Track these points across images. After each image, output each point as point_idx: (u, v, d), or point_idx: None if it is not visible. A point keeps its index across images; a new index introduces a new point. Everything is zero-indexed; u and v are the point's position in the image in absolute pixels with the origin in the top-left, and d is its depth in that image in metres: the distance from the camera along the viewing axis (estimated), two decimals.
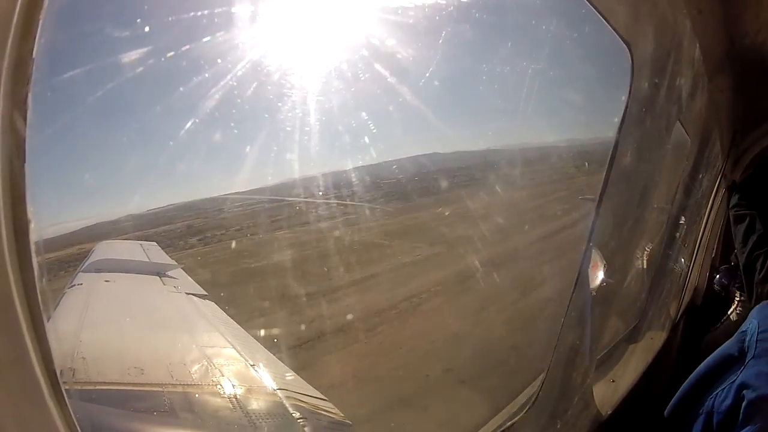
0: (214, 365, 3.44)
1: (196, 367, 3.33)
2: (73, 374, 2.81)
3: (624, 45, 1.87)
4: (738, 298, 4.06)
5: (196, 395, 3.09)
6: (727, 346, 1.97)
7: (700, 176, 3.72)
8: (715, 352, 2.03)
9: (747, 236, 3.21)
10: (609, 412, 2.46)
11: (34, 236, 0.66)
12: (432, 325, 8.98)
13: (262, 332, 7.53)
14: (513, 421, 2.17)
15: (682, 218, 3.83)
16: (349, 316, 9.24)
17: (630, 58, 1.91)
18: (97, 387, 2.85)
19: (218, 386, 3.23)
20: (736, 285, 4.09)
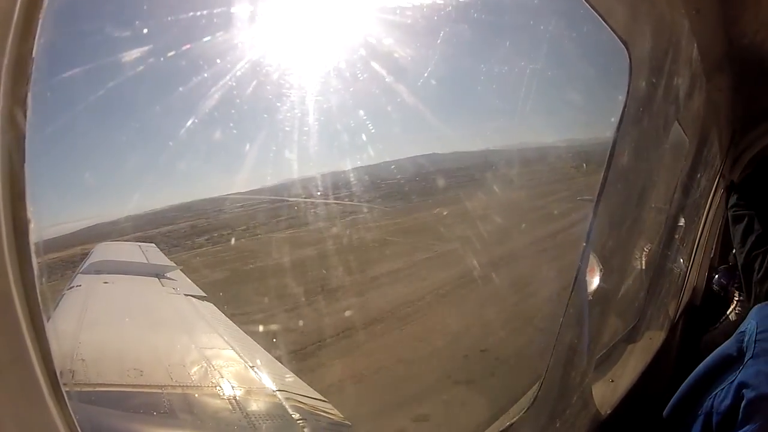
0: (213, 366, 3.43)
1: (195, 369, 3.33)
2: (73, 376, 2.81)
3: (622, 45, 1.87)
4: (737, 298, 4.07)
5: (196, 396, 3.09)
6: (726, 347, 1.97)
7: (699, 176, 3.72)
8: (714, 352, 2.03)
9: (745, 236, 3.21)
10: (608, 412, 2.46)
11: (33, 236, 0.66)
12: (461, 312, 9.27)
13: (301, 323, 8.68)
14: (512, 420, 2.17)
15: (681, 218, 3.83)
16: (381, 308, 9.57)
17: (628, 57, 1.92)
18: (97, 388, 2.85)
19: (217, 388, 3.23)
20: (735, 285, 4.09)
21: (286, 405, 3.10)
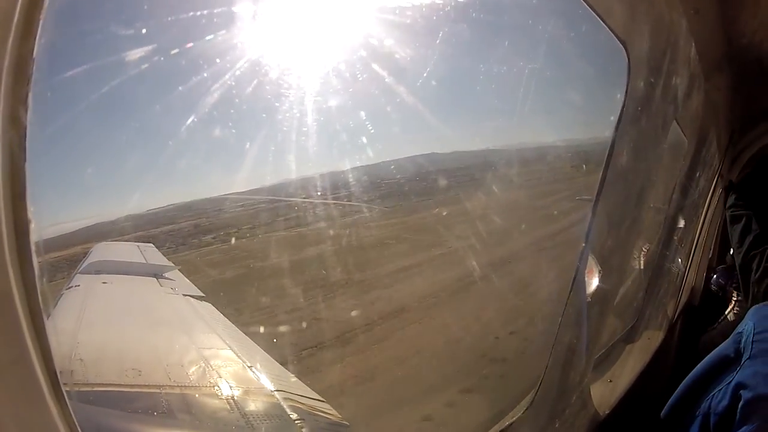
0: (211, 366, 3.43)
1: (193, 369, 3.33)
2: (71, 376, 2.80)
3: (620, 44, 1.87)
4: (735, 298, 4.07)
5: (194, 397, 3.09)
6: (724, 348, 1.98)
7: (697, 176, 3.72)
8: (712, 353, 2.03)
9: (743, 236, 3.22)
10: (606, 412, 2.46)
11: (34, 236, 0.66)
12: (485, 300, 9.56)
13: (332, 313, 9.23)
14: (511, 421, 2.17)
15: (680, 218, 3.83)
16: (403, 300, 9.94)
17: (626, 57, 1.92)
18: (96, 388, 2.85)
19: (216, 388, 3.23)
20: (733, 285, 4.09)
21: (285, 405, 3.10)
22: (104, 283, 4.90)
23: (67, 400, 0.69)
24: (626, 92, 1.99)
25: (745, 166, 4.35)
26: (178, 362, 3.35)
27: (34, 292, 0.65)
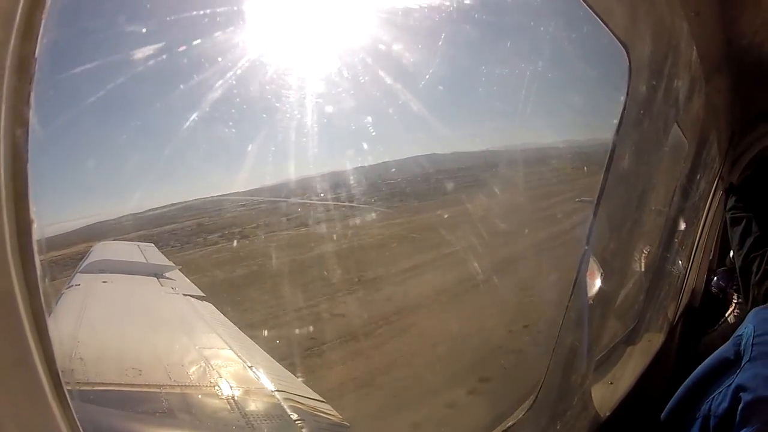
0: (211, 366, 3.43)
1: (194, 369, 3.33)
2: (72, 375, 2.80)
3: (621, 47, 1.87)
4: (735, 301, 4.07)
5: (194, 396, 3.09)
6: (723, 350, 1.98)
7: (698, 178, 3.72)
8: (712, 355, 2.04)
9: (743, 238, 3.22)
10: (607, 414, 2.46)
11: (36, 236, 0.66)
12: (504, 293, 9.67)
13: (351, 308, 9.64)
14: (513, 422, 2.17)
15: (680, 220, 3.83)
16: (423, 295, 10.21)
17: (627, 59, 1.92)
18: (96, 388, 2.85)
19: (216, 387, 3.23)
20: (734, 287, 4.10)
21: (285, 405, 3.10)
22: (104, 282, 4.90)
23: (69, 401, 0.69)
24: (627, 94, 1.99)
25: (746, 167, 4.35)
26: (179, 362, 3.35)
27: (37, 292, 0.65)
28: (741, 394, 1.75)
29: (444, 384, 7.07)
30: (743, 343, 1.90)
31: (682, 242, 4.07)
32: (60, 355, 0.70)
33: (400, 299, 10.01)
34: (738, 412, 1.73)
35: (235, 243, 12.02)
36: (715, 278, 4.47)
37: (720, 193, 4.37)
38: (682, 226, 3.91)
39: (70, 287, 4.61)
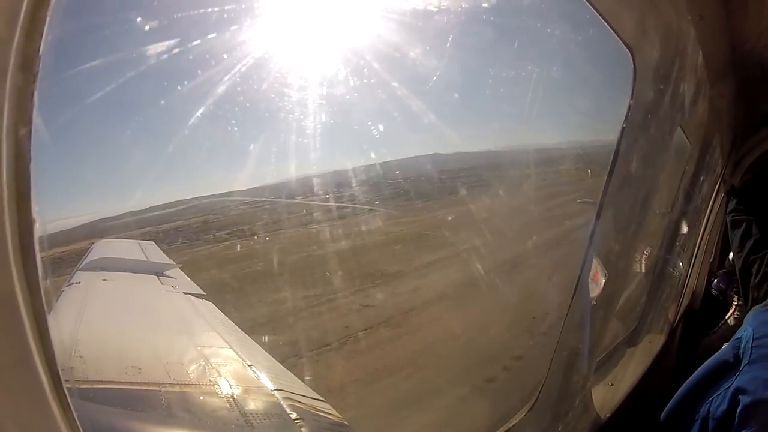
0: (211, 365, 3.43)
1: (193, 367, 3.33)
2: (71, 373, 2.80)
3: (627, 50, 1.87)
4: (735, 303, 4.07)
5: (194, 395, 3.08)
6: (723, 353, 1.99)
7: (700, 181, 3.72)
8: (711, 358, 2.04)
9: (743, 241, 3.22)
10: (608, 416, 2.46)
11: (38, 236, 0.66)
12: (525, 284, 10.14)
13: (379, 299, 10.02)
14: (514, 423, 2.17)
15: (682, 222, 3.83)
16: (442, 288, 10.52)
17: (632, 63, 1.92)
18: (95, 386, 2.85)
19: (215, 386, 3.22)
20: (734, 289, 4.09)
21: (284, 404, 3.10)
22: (105, 280, 4.90)
23: (69, 402, 0.69)
24: (632, 97, 1.99)
25: (747, 170, 4.34)
26: (178, 360, 3.34)
27: (38, 293, 0.65)
28: (740, 396, 1.75)
29: (482, 361, 7.67)
30: (742, 345, 1.90)
31: (684, 244, 4.07)
32: (59, 353, 0.69)
33: (425, 291, 10.36)
34: (737, 415, 1.74)
35: (246, 240, 12.09)
36: (716, 280, 4.46)
37: (722, 195, 4.37)
38: (684, 228, 3.91)
39: (70, 285, 4.61)
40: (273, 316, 8.92)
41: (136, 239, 7.73)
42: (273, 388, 3.30)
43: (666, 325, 3.78)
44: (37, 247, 0.65)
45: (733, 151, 4.16)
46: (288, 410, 3.04)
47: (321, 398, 3.43)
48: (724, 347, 2.01)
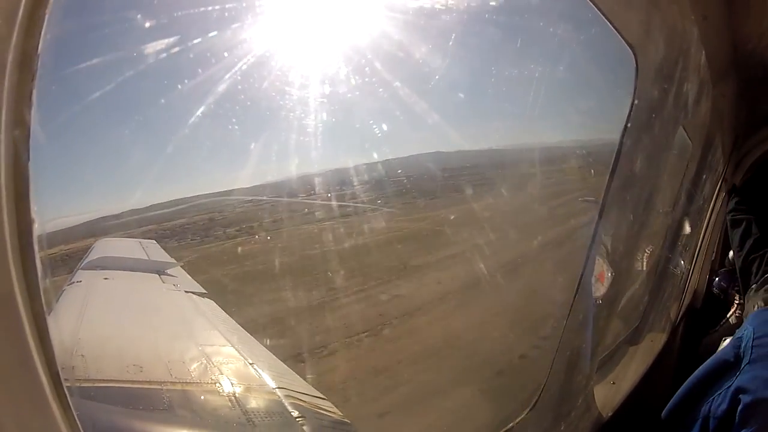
0: (212, 363, 3.43)
1: (195, 366, 3.32)
2: (72, 371, 2.80)
3: (629, 49, 1.87)
4: (737, 301, 4.07)
5: (195, 393, 3.08)
6: (723, 352, 1.99)
7: (702, 180, 3.71)
8: (712, 357, 2.05)
9: (743, 240, 3.23)
10: (609, 414, 2.46)
11: (37, 236, 0.65)
12: (538, 278, 9.99)
13: (404, 291, 10.42)
14: (515, 422, 2.17)
15: (684, 221, 3.83)
16: (462, 280, 10.61)
17: (635, 62, 1.91)
18: (96, 384, 2.85)
19: (217, 384, 3.22)
20: (735, 288, 4.09)
21: (286, 402, 3.09)
22: (106, 279, 4.90)
23: (69, 402, 0.69)
24: (634, 96, 1.99)
25: (748, 170, 4.34)
26: (180, 359, 3.34)
27: (37, 293, 0.65)
28: (740, 395, 1.76)
29: (514, 341, 7.98)
30: (743, 345, 1.90)
31: (685, 243, 4.07)
32: (61, 351, 0.69)
33: (449, 282, 10.64)
34: (737, 414, 1.74)
35: (259, 236, 12.13)
36: (717, 279, 4.46)
37: (723, 194, 4.36)
38: (686, 227, 3.91)
39: (71, 284, 4.61)
40: (309, 306, 9.25)
41: (138, 237, 7.74)
42: (275, 387, 3.30)
43: (668, 323, 3.78)
44: (36, 247, 0.65)
45: (734, 151, 4.16)
46: (289, 408, 3.04)
47: (322, 396, 3.43)
48: (724, 346, 2.01)
